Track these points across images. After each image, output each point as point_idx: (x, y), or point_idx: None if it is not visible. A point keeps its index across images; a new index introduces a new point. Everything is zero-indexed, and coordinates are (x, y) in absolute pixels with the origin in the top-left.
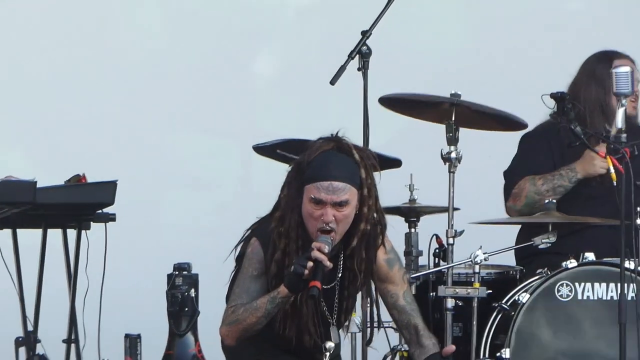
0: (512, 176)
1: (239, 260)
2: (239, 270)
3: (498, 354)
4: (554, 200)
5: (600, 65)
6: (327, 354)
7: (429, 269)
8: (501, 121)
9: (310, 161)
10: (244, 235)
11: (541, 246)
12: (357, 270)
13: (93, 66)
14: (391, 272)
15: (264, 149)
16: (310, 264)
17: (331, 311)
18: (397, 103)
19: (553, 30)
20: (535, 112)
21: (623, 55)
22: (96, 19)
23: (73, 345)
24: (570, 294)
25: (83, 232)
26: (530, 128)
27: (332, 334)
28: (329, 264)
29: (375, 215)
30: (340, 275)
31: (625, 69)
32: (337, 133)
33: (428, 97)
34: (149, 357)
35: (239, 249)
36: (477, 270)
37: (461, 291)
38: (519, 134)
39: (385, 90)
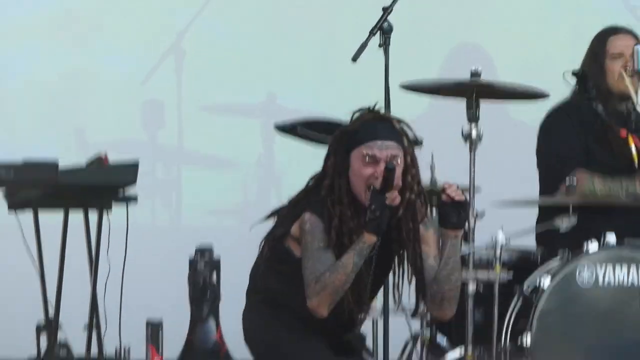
0: (561, 164)
1: (280, 239)
2: (305, 246)
3: (519, 339)
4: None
5: (596, 43)
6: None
7: None
8: (523, 94)
9: (355, 128)
10: (290, 212)
11: (562, 230)
12: (406, 240)
13: (111, 46)
14: (426, 233)
15: (285, 128)
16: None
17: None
18: (418, 88)
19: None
20: (557, 87)
21: (622, 30)
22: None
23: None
24: (591, 278)
25: (104, 213)
26: (553, 106)
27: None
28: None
29: (418, 186)
30: (379, 245)
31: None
32: (374, 106)
33: (448, 81)
34: (170, 342)
35: (293, 227)
36: (498, 253)
37: (482, 275)
38: (538, 107)
39: (406, 67)
